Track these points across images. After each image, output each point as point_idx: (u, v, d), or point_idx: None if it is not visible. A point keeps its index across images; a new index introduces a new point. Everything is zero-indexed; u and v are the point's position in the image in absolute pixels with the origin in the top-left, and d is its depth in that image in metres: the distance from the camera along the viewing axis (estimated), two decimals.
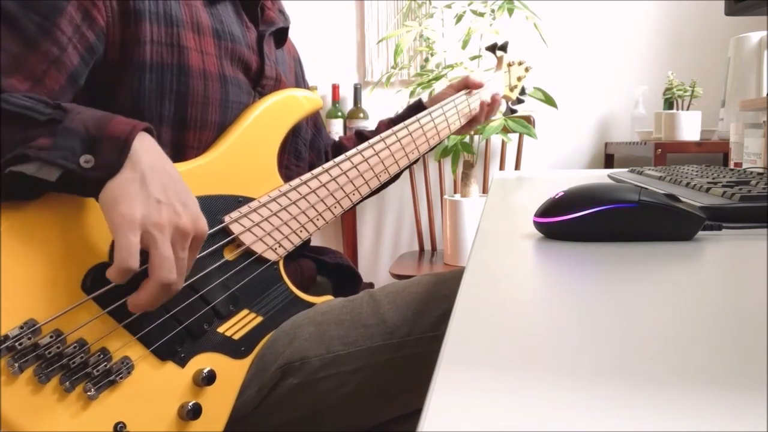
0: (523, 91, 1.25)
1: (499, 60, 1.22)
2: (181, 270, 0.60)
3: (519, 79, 1.23)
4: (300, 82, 1.02)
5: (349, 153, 0.86)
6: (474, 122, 1.10)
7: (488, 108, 1.11)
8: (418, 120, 0.96)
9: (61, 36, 0.65)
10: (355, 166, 0.86)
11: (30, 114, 0.57)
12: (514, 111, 1.27)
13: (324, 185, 0.82)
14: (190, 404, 0.66)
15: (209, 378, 0.68)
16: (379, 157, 0.89)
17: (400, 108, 2.21)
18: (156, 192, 0.59)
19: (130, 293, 0.62)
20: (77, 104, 0.68)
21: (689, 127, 2.02)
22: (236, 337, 0.73)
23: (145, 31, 0.70)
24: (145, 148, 0.60)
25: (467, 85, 1.09)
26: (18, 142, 0.56)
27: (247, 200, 0.76)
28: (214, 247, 0.71)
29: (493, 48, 1.23)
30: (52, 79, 0.65)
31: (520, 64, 1.22)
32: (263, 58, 0.84)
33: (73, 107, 0.60)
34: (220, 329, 0.71)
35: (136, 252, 0.56)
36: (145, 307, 0.60)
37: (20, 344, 0.55)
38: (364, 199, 1.08)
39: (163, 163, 0.61)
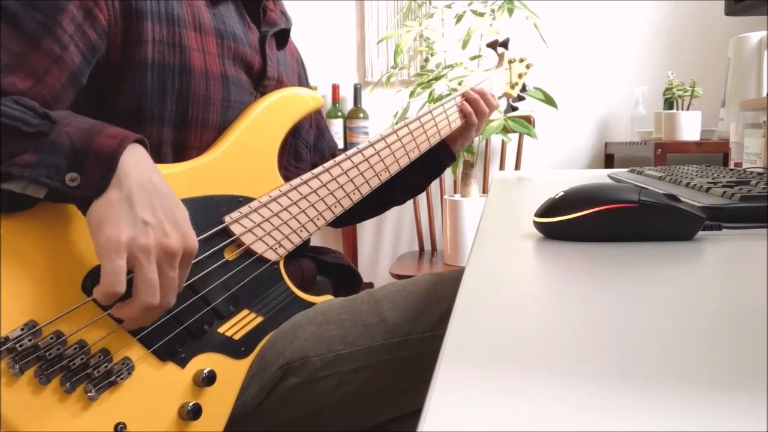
0: (524, 88, 1.23)
1: (500, 57, 1.20)
2: (170, 288, 0.60)
3: (520, 76, 1.21)
4: (303, 83, 1.02)
5: (350, 152, 0.86)
6: (469, 125, 1.06)
7: (483, 98, 1.06)
8: (418, 118, 0.96)
9: (62, 35, 0.65)
10: (356, 165, 0.86)
11: (18, 126, 0.56)
12: (515, 108, 1.25)
13: (325, 185, 0.82)
14: (191, 405, 0.66)
15: (209, 378, 0.68)
16: (379, 156, 0.89)
17: (400, 108, 2.21)
18: (143, 213, 0.58)
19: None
20: (78, 104, 0.69)
21: (689, 127, 2.02)
22: (236, 337, 0.73)
23: (147, 31, 0.70)
24: (134, 162, 0.59)
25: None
26: (5, 156, 0.55)
27: (248, 200, 0.76)
28: (215, 248, 0.71)
29: (494, 44, 1.21)
30: (53, 77, 0.64)
31: (521, 60, 1.20)
32: (265, 58, 0.84)
33: (63, 117, 0.59)
34: (221, 329, 0.71)
35: (122, 276, 0.56)
36: (132, 324, 0.61)
37: (21, 346, 0.55)
38: (367, 215, 1.08)
39: (152, 179, 0.60)
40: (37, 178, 0.55)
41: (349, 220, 1.05)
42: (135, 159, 0.60)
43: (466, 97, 1.05)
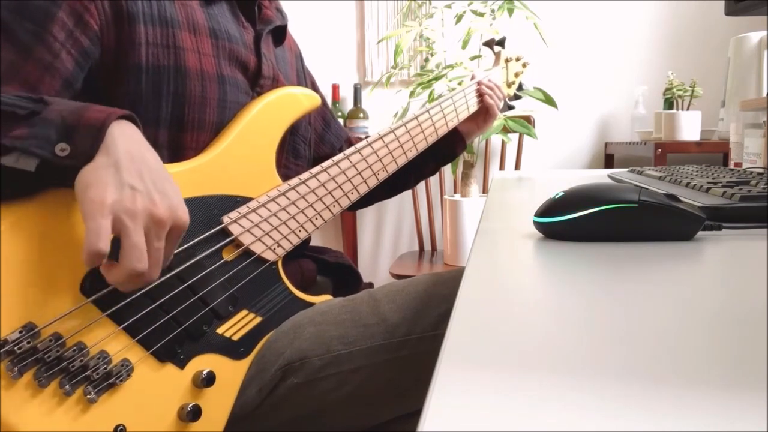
0: (520, 87, 1.23)
1: (497, 56, 1.21)
2: (156, 260, 0.58)
3: (516, 75, 1.21)
4: (302, 77, 1.02)
5: (347, 151, 0.86)
6: (489, 112, 1.11)
7: (489, 91, 1.11)
8: (416, 117, 0.96)
9: (53, 42, 0.65)
10: (354, 165, 0.86)
11: (14, 110, 0.57)
12: (511, 107, 1.25)
13: (323, 184, 0.82)
14: (190, 406, 0.66)
15: (209, 379, 0.68)
16: (377, 156, 0.89)
17: (400, 108, 2.21)
18: (130, 178, 0.57)
19: (130, 296, 0.62)
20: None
21: (689, 127, 2.02)
22: (235, 337, 0.72)
23: (140, 33, 0.70)
24: (123, 134, 0.59)
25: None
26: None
27: (246, 200, 0.75)
28: (214, 248, 0.71)
29: (490, 43, 1.22)
30: (46, 85, 0.65)
31: (517, 59, 1.21)
32: (260, 57, 0.84)
33: (56, 99, 0.60)
34: (220, 330, 0.71)
35: (105, 235, 0.53)
36: (116, 286, 0.59)
37: (19, 348, 0.55)
38: (378, 198, 1.09)
39: (141, 150, 0.60)
40: (28, 148, 0.55)
41: (360, 204, 1.08)
42: (124, 131, 0.60)
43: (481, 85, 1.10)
